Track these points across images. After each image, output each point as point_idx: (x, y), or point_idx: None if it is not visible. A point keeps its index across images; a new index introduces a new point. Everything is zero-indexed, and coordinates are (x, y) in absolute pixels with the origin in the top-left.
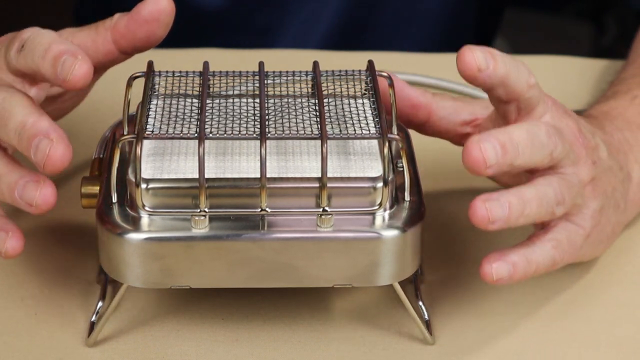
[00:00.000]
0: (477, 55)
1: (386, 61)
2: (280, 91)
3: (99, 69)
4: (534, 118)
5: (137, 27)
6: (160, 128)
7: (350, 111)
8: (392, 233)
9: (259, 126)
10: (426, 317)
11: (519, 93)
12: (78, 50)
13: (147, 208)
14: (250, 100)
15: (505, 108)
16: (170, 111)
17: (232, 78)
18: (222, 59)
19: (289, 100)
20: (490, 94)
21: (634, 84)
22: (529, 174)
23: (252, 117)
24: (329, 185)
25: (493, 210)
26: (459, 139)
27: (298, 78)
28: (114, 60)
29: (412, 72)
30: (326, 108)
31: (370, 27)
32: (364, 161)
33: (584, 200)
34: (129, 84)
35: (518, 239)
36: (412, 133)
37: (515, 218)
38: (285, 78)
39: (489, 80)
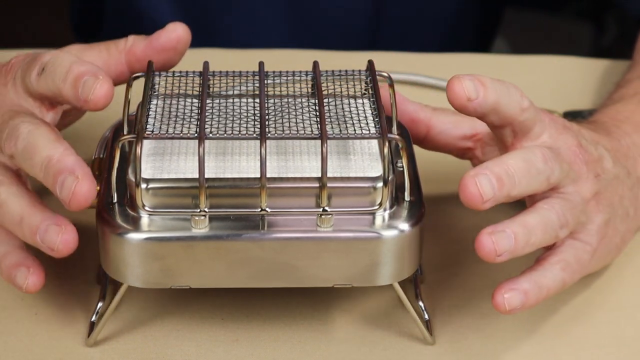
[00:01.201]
0: (466, 85)
1: (386, 61)
2: (280, 91)
3: None
4: (531, 140)
5: (154, 53)
6: (160, 128)
7: (350, 111)
8: (392, 233)
9: (259, 126)
10: (426, 317)
11: (512, 117)
12: (99, 71)
13: (147, 208)
14: (250, 100)
15: (501, 132)
16: (170, 111)
17: (232, 78)
18: (222, 59)
19: (289, 100)
20: (483, 120)
21: None
22: (527, 200)
23: (252, 117)
24: (329, 185)
25: (500, 242)
26: (461, 153)
27: (298, 78)
28: (124, 81)
29: (412, 72)
30: (326, 108)
31: (371, 28)
32: (364, 161)
33: (587, 217)
34: (129, 84)
35: None
36: None
37: (522, 248)
38: (285, 78)
39: (480, 108)
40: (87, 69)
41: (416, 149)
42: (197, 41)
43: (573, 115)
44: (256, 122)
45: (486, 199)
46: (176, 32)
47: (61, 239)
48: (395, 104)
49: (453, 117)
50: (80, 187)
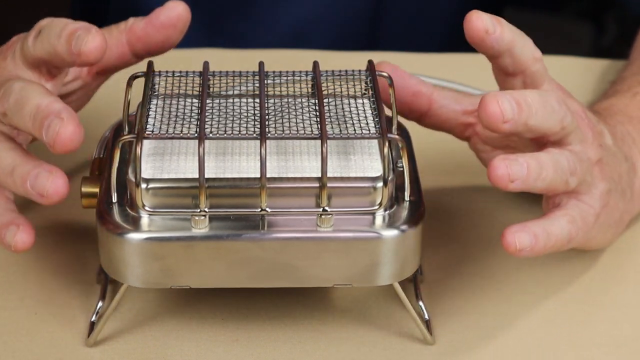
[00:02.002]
0: (484, 19)
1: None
2: (280, 91)
3: (110, 70)
4: None
5: (154, 31)
6: (160, 128)
7: (350, 111)
8: (392, 233)
9: (259, 126)
10: (426, 317)
11: (525, 64)
12: (92, 26)
13: (147, 208)
14: (250, 100)
15: (512, 82)
16: (170, 111)
17: (232, 78)
18: (222, 59)
19: (289, 100)
20: (496, 62)
21: (634, 81)
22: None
23: (252, 117)
24: (329, 185)
25: (513, 167)
26: (462, 129)
27: (298, 78)
28: (126, 63)
29: (412, 72)
30: (326, 108)
31: (375, 26)
32: (364, 161)
33: (592, 180)
34: (129, 84)
35: None
36: (412, 132)
37: (534, 179)
38: (285, 78)
39: (497, 44)
40: (80, 25)
41: (416, 148)
42: (200, 40)
43: None
44: (256, 122)
45: (506, 119)
46: (176, 9)
47: (51, 182)
48: (395, 104)
49: (454, 92)
50: (65, 128)
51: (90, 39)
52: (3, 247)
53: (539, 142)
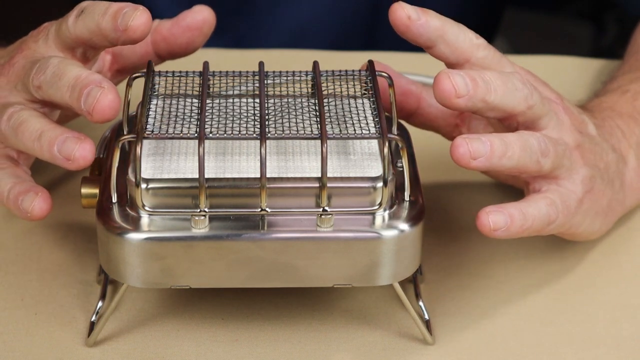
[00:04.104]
0: (406, 7)
1: (386, 61)
2: (280, 91)
3: (129, 69)
4: None
5: (179, 32)
6: (160, 128)
7: (350, 111)
8: (392, 233)
9: (259, 126)
10: (426, 317)
11: (466, 51)
12: (138, 5)
13: (147, 208)
14: (250, 100)
15: None
16: (170, 111)
17: (232, 78)
18: (222, 59)
19: (289, 100)
20: (433, 53)
21: (624, 80)
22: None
23: (252, 117)
24: (329, 185)
25: (474, 145)
26: (450, 130)
27: (298, 78)
28: (146, 62)
29: (412, 72)
30: (326, 108)
31: (373, 27)
32: (364, 161)
33: (572, 164)
34: (129, 84)
35: (517, 242)
36: (412, 132)
37: (498, 157)
38: (285, 78)
39: (424, 31)
40: (126, 4)
41: (416, 148)
42: None
43: None
44: (256, 122)
45: (459, 94)
46: (202, 13)
47: (79, 146)
48: (395, 103)
49: None
50: (104, 95)
51: (138, 15)
52: (18, 214)
53: (510, 127)
